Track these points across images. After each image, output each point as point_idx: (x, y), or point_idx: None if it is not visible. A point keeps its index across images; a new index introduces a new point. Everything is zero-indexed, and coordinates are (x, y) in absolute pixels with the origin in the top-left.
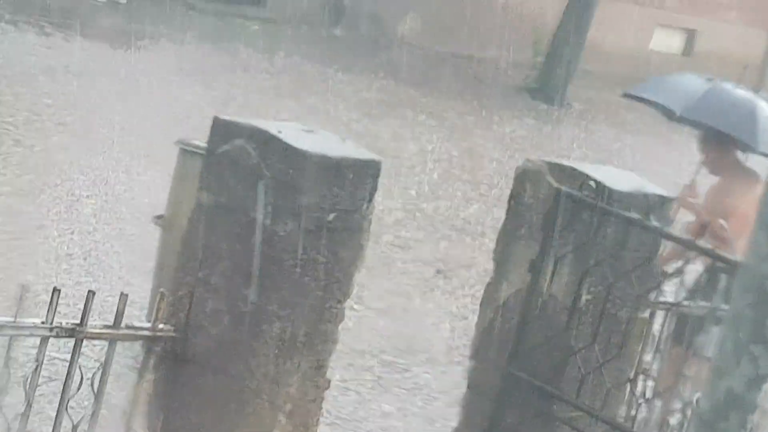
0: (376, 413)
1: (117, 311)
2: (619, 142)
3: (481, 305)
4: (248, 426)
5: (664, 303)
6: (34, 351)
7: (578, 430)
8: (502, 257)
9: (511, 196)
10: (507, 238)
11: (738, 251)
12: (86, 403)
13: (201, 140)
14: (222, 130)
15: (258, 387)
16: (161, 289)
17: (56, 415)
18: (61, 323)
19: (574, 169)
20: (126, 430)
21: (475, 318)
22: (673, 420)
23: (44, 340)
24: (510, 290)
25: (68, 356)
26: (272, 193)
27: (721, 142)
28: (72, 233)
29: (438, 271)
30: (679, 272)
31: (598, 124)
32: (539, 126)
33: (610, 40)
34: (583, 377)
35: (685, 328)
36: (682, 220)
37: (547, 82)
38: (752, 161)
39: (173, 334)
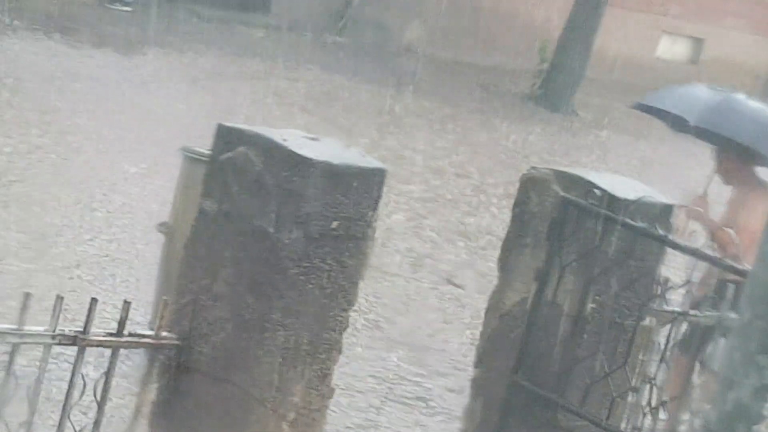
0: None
1: (120, 319)
2: (625, 150)
3: (485, 313)
4: None
5: (670, 312)
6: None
7: None
8: (506, 265)
9: (516, 204)
10: (512, 246)
11: (748, 261)
12: (89, 412)
13: (205, 147)
14: (226, 137)
15: (262, 395)
16: (164, 297)
17: (59, 423)
18: (64, 331)
19: (580, 177)
20: None
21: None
22: (681, 430)
23: (47, 347)
24: (515, 298)
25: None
26: (276, 201)
27: (738, 154)
28: (76, 240)
29: (449, 281)
30: (687, 282)
31: (603, 132)
32: (544, 134)
33: (616, 48)
34: (588, 386)
35: (693, 338)
36: (689, 229)
37: (553, 89)
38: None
39: (176, 342)
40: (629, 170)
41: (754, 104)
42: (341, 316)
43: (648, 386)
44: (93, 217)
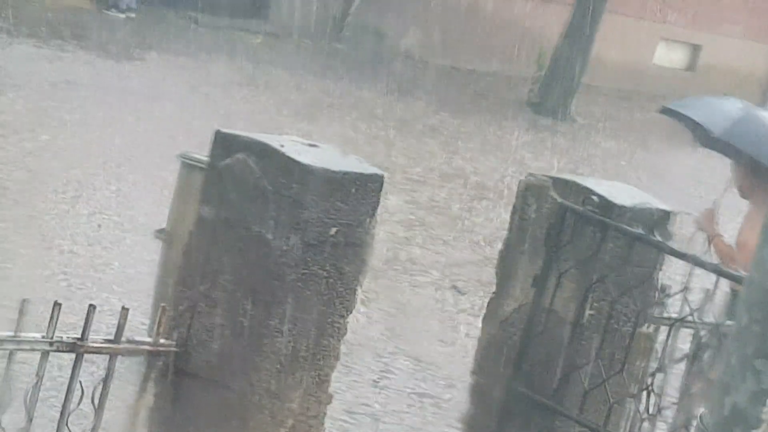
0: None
1: (118, 326)
2: (623, 157)
3: (483, 320)
4: None
5: (668, 318)
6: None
7: None
8: (504, 272)
9: (514, 211)
10: (510, 252)
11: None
12: (86, 419)
13: (203, 154)
14: (224, 143)
15: (260, 402)
16: (162, 304)
17: (57, 430)
18: (61, 338)
19: (577, 184)
20: None
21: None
22: None
23: (45, 354)
24: (513, 305)
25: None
26: (274, 208)
27: (756, 171)
28: (74, 246)
29: (455, 288)
30: (684, 288)
31: (601, 139)
32: (542, 140)
33: (614, 55)
34: (587, 393)
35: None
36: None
37: (551, 96)
38: None
39: (175, 349)
40: (626, 177)
41: None
42: (339, 323)
43: (646, 393)
44: (90, 224)
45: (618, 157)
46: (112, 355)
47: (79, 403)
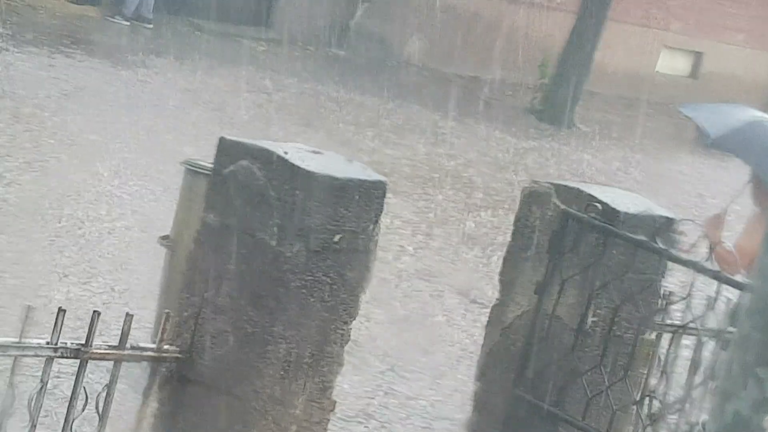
0: None
1: (122, 332)
2: (626, 164)
3: (486, 327)
4: None
5: (671, 325)
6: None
7: None
8: (508, 279)
9: (517, 218)
10: (513, 259)
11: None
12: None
13: (207, 160)
14: (228, 150)
15: (263, 408)
16: (167, 310)
17: None
18: (66, 344)
19: (581, 191)
20: None
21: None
22: None
23: (49, 360)
24: (516, 312)
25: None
26: (278, 214)
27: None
28: (79, 253)
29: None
30: (687, 295)
31: (604, 146)
32: (545, 147)
33: (617, 62)
34: (589, 399)
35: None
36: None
37: (554, 103)
38: None
39: (179, 355)
40: (629, 184)
41: None
42: (343, 329)
43: (648, 399)
44: (94, 230)
45: (621, 165)
46: (116, 362)
47: (83, 409)
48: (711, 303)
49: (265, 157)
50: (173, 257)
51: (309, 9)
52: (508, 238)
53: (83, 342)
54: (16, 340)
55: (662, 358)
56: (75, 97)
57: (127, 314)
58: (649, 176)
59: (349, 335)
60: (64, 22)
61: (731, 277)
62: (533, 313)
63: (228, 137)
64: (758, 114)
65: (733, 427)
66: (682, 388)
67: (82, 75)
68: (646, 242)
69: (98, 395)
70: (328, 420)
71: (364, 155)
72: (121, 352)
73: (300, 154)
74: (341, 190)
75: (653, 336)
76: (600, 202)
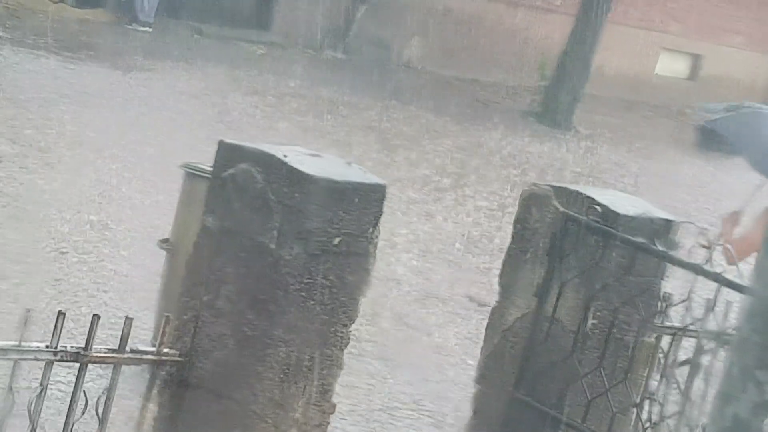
0: None
1: (122, 335)
2: (625, 166)
3: (486, 330)
4: None
5: (671, 327)
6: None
7: None
8: (507, 281)
9: (517, 221)
10: (513, 262)
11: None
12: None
13: (206, 164)
14: (227, 153)
15: (263, 411)
16: (166, 314)
17: None
18: (65, 347)
19: (580, 194)
20: None
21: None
22: None
23: (49, 364)
24: (516, 314)
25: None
26: (278, 217)
27: None
28: (78, 255)
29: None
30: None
31: (603, 148)
32: (545, 150)
33: (616, 65)
34: (589, 402)
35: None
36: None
37: (553, 106)
38: None
39: (178, 359)
40: (629, 186)
41: None
42: (342, 332)
43: (649, 402)
44: (95, 233)
45: (620, 167)
46: (116, 365)
47: (83, 413)
48: (710, 305)
49: (264, 160)
50: (173, 260)
51: (308, 12)
52: (507, 239)
53: (83, 346)
54: (16, 343)
55: (662, 360)
56: (75, 100)
57: (127, 318)
58: (648, 178)
59: (349, 338)
60: (65, 26)
61: (729, 279)
62: (533, 316)
63: (227, 140)
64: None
65: (732, 429)
66: (682, 390)
67: (82, 78)
68: (646, 245)
69: (98, 399)
70: (328, 423)
71: (363, 158)
72: (120, 355)
73: (299, 157)
74: (340, 193)
75: (653, 338)
76: (599, 204)
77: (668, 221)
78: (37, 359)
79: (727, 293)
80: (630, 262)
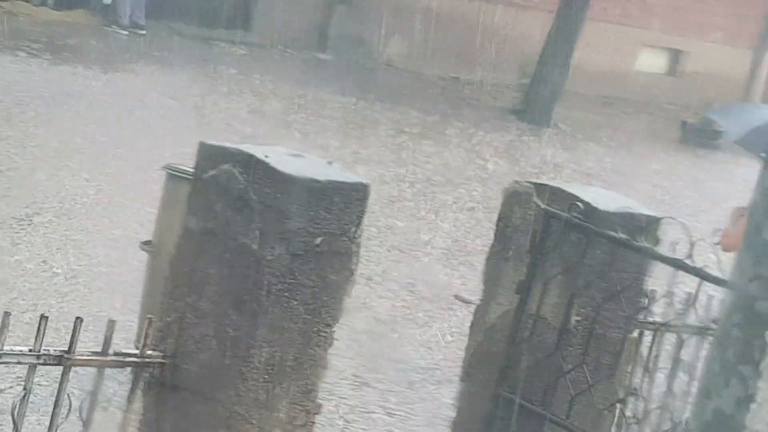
0: None
1: (105, 338)
2: (607, 162)
3: (471, 327)
4: None
5: (653, 323)
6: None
7: None
8: (490, 279)
9: (499, 218)
10: (495, 260)
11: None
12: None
13: (188, 165)
14: (209, 154)
15: (247, 412)
16: (150, 316)
17: None
18: (48, 350)
19: (562, 191)
20: None
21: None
22: None
23: (32, 367)
24: (499, 312)
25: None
26: (260, 218)
27: None
28: (61, 259)
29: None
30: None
31: (585, 145)
32: (526, 147)
33: (596, 61)
34: (573, 398)
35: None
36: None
37: (534, 103)
38: None
39: (162, 360)
40: (610, 182)
41: None
42: (326, 332)
43: (633, 397)
44: (77, 236)
45: (602, 163)
46: (100, 368)
47: (66, 416)
48: (692, 300)
49: (245, 160)
50: (155, 262)
51: (289, 13)
52: (489, 236)
53: (66, 349)
54: None
55: (645, 355)
56: (56, 102)
57: (110, 320)
58: (630, 174)
59: (333, 338)
60: (46, 29)
61: (710, 273)
62: (516, 313)
63: (208, 141)
64: None
65: (714, 424)
66: (666, 385)
67: (62, 79)
68: (628, 241)
69: (82, 402)
70: (313, 423)
71: (345, 156)
72: (104, 358)
73: (281, 157)
74: (322, 192)
75: (636, 334)
76: (581, 201)
77: (651, 217)
78: (20, 363)
79: (710, 288)
80: (613, 259)
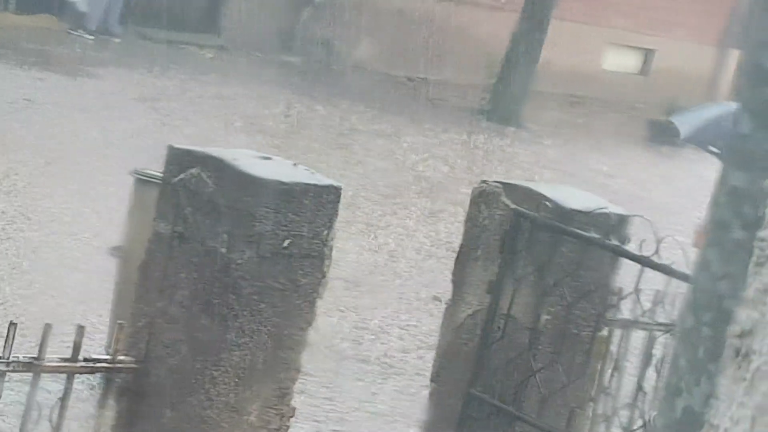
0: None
1: (74, 344)
2: (575, 162)
3: (441, 327)
4: None
5: (622, 321)
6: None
7: None
8: (460, 279)
9: (468, 218)
10: (464, 259)
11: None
12: None
13: (156, 169)
14: (177, 158)
15: (218, 416)
16: (120, 321)
17: None
18: (18, 357)
19: (531, 190)
20: None
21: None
22: None
23: (1, 374)
24: (468, 311)
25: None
26: (228, 221)
27: None
28: (29, 265)
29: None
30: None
31: (553, 144)
32: (494, 147)
33: (563, 61)
34: (545, 397)
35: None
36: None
37: (501, 103)
38: None
39: (134, 365)
40: (578, 182)
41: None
42: (298, 335)
43: (603, 395)
44: (44, 242)
45: (571, 162)
46: (70, 374)
47: (36, 423)
48: (659, 297)
49: (214, 164)
50: (125, 267)
51: (255, 15)
52: (457, 236)
53: (35, 355)
54: None
55: (615, 353)
56: (23, 107)
57: (79, 326)
58: (599, 173)
59: (306, 341)
60: (15, 34)
61: (675, 269)
62: (487, 313)
63: (177, 145)
64: (727, 106)
65: (683, 422)
66: (635, 383)
67: (30, 84)
68: (597, 239)
69: (52, 408)
70: (288, 427)
71: (315, 159)
72: (74, 364)
73: (249, 160)
74: (289, 194)
75: (605, 332)
76: (550, 200)
77: (621, 215)
78: None
79: (678, 284)
80: (583, 258)
